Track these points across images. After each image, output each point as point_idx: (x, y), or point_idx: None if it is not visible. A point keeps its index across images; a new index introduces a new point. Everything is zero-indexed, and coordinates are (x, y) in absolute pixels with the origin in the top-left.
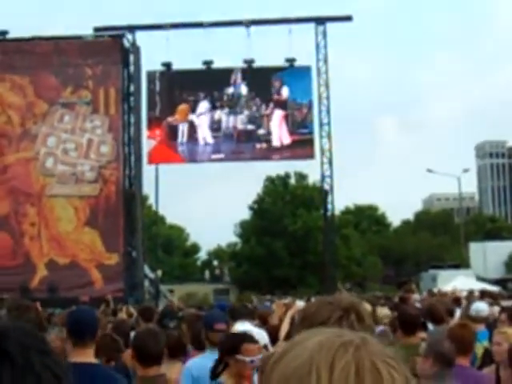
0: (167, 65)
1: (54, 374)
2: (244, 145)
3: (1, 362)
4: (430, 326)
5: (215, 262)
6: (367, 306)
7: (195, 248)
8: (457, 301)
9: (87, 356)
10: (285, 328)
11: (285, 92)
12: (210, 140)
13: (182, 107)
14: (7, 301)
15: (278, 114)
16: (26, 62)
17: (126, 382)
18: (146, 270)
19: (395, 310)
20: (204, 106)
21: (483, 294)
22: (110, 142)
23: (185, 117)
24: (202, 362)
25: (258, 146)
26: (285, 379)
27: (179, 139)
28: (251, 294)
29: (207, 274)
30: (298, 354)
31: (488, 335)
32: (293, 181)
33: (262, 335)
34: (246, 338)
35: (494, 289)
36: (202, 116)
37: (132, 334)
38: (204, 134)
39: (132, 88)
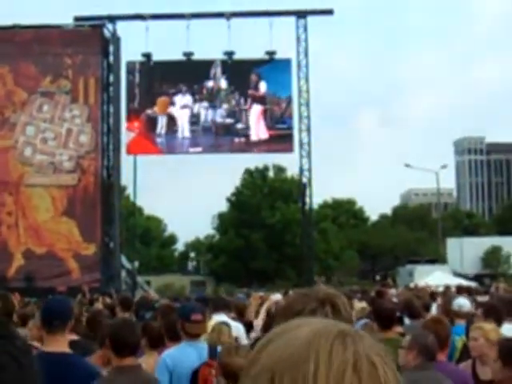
0: (147, 55)
1: (13, 358)
2: (222, 138)
3: None
4: (407, 321)
5: (192, 254)
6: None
7: (172, 239)
8: (432, 296)
9: (59, 345)
10: (259, 320)
11: (262, 87)
12: (188, 133)
13: (162, 99)
14: None
15: (257, 108)
16: (6, 50)
17: (98, 371)
18: (123, 260)
19: (372, 304)
20: (186, 99)
21: (460, 290)
22: (88, 132)
23: (164, 109)
24: (178, 352)
25: (236, 139)
26: (276, 365)
27: (158, 131)
28: (228, 286)
29: (190, 265)
30: (292, 341)
31: (466, 329)
32: (271, 174)
33: (237, 328)
34: None
35: (471, 284)
36: (184, 109)
37: None
38: (183, 127)
39: (112, 78)
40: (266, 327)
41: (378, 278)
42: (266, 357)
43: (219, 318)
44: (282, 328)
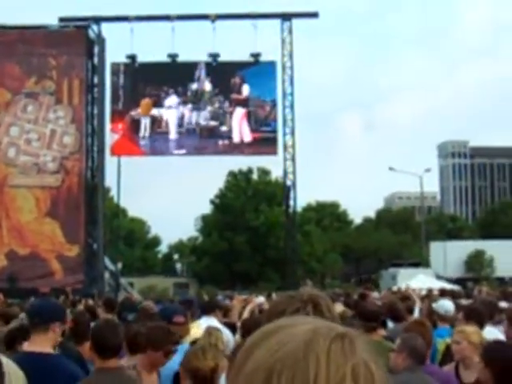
0: (132, 57)
1: None
2: (206, 141)
3: None
4: (390, 324)
5: (176, 256)
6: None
7: (156, 241)
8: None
9: (41, 345)
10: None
11: (245, 90)
12: (174, 135)
13: (145, 101)
14: None
15: (240, 111)
16: None
17: (80, 372)
18: (107, 262)
19: (355, 307)
20: (173, 100)
21: (443, 293)
22: (73, 133)
23: (147, 111)
24: None
25: (220, 142)
26: (273, 363)
27: (141, 133)
28: (211, 288)
29: (173, 267)
30: (289, 339)
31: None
32: (255, 176)
33: (226, 332)
34: None
35: (454, 288)
36: (171, 110)
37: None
38: (169, 129)
39: (96, 79)
40: (245, 328)
41: (361, 280)
42: (262, 354)
43: (209, 321)
44: (275, 325)
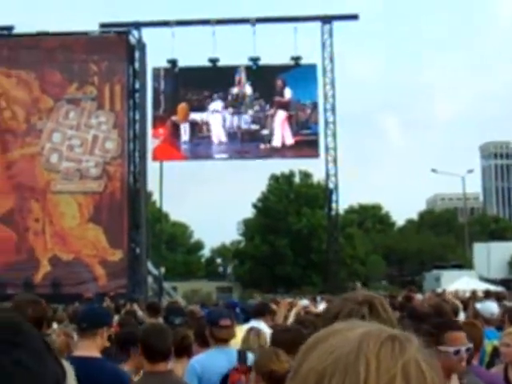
0: (173, 62)
1: (23, 366)
2: (248, 144)
3: None
4: None
5: (218, 260)
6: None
7: (199, 245)
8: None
9: (89, 349)
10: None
11: (287, 93)
12: (215, 140)
13: (182, 106)
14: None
15: (281, 114)
16: (32, 57)
17: (128, 376)
18: (150, 266)
19: (400, 309)
20: (217, 105)
21: (488, 294)
22: (115, 139)
23: (184, 115)
24: (208, 358)
25: (261, 146)
26: (325, 367)
27: (182, 138)
28: (254, 292)
29: (216, 271)
30: (341, 343)
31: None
32: (297, 179)
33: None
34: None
35: (498, 289)
36: (213, 115)
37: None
38: (210, 133)
39: (137, 85)
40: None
41: (403, 282)
42: (315, 358)
43: (258, 324)
44: (329, 330)
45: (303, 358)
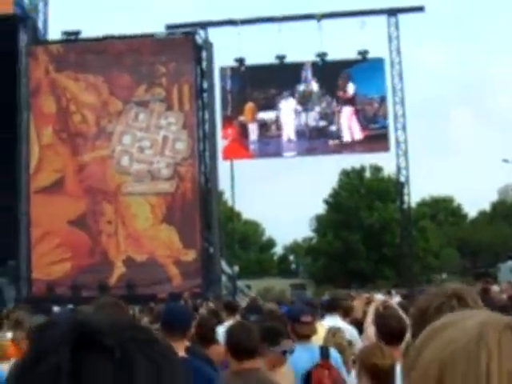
0: (240, 60)
1: (152, 361)
2: (316, 141)
3: (100, 358)
4: None
5: (291, 257)
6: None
7: (271, 243)
8: None
9: (178, 350)
10: (369, 320)
11: (350, 88)
12: (284, 137)
13: (249, 106)
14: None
15: (347, 110)
16: (100, 61)
17: (216, 375)
18: (224, 265)
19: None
20: (287, 103)
21: None
22: (185, 139)
23: (252, 115)
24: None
25: (330, 142)
26: (444, 358)
27: (250, 137)
28: (328, 288)
29: (289, 268)
30: (459, 334)
31: None
32: (368, 174)
33: (350, 331)
34: None
35: None
36: (281, 112)
37: (218, 328)
38: (280, 131)
39: (205, 84)
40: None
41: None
42: (433, 350)
43: (332, 319)
44: (445, 320)
45: (421, 348)
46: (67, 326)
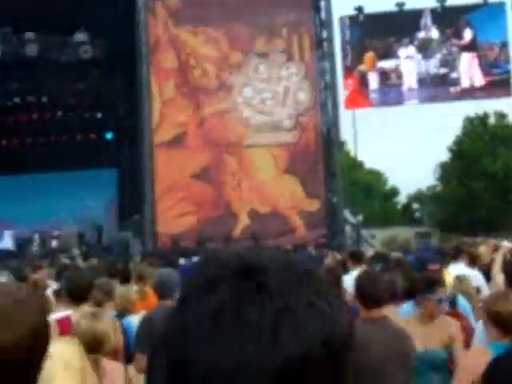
0: (359, 9)
1: (321, 310)
2: (438, 89)
3: (261, 298)
4: None
5: (415, 206)
6: None
7: (394, 192)
8: None
9: None
10: (497, 268)
11: (468, 34)
12: (405, 86)
13: (369, 55)
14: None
15: (466, 56)
16: (219, 14)
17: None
18: (347, 215)
19: None
20: (407, 50)
21: None
22: (306, 89)
23: (372, 64)
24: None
25: (451, 89)
26: None
27: (371, 87)
28: (453, 236)
29: (413, 216)
30: None
31: None
32: (492, 120)
33: (476, 277)
34: None
35: None
36: (403, 61)
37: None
38: (401, 80)
39: (325, 34)
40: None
41: None
42: None
43: (457, 267)
44: None
45: None
46: (231, 262)
